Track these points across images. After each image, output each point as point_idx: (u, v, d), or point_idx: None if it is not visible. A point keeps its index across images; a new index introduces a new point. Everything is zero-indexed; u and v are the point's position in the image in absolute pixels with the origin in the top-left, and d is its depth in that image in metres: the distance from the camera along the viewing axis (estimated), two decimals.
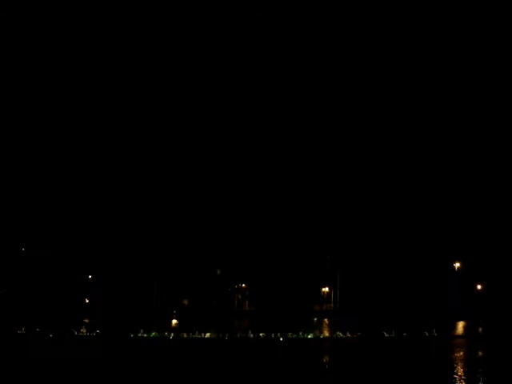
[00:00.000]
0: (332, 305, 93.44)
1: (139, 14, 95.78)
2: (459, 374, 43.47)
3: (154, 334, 62.06)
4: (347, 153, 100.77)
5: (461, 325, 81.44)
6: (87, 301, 64.78)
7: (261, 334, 63.37)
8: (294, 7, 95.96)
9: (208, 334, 62.57)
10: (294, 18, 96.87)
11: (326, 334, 68.67)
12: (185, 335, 62.46)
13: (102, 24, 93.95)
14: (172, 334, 62.83)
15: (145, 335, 61.53)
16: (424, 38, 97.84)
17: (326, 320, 72.44)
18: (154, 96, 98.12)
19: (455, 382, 39.06)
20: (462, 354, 57.29)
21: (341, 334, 65.59)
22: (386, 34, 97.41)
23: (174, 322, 67.82)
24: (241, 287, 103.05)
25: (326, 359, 53.78)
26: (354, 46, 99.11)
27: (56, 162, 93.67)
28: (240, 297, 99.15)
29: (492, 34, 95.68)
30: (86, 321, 63.31)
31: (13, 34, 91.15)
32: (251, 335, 63.91)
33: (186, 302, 65.18)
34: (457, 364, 49.62)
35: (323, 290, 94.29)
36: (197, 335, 62.42)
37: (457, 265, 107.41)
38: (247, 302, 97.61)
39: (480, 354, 58.26)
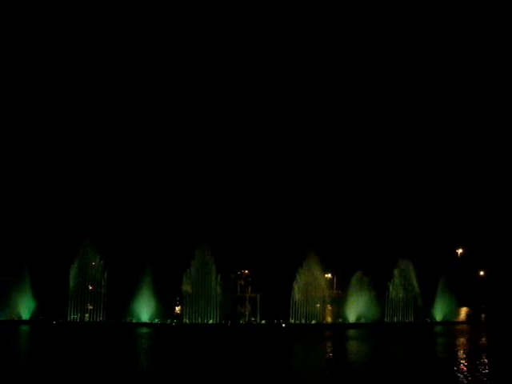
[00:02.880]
0: (335, 291, 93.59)
1: (139, 13, 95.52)
2: (461, 360, 43.60)
3: (156, 320, 62.36)
4: (347, 144, 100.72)
5: (463, 311, 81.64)
6: (91, 287, 64.89)
7: (263, 321, 63.61)
8: (295, 8, 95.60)
9: (211, 321, 62.82)
10: (294, 18, 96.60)
11: (329, 320, 68.87)
12: (187, 321, 62.75)
13: (101, 24, 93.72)
14: (175, 321, 63.11)
15: (148, 321, 61.83)
16: (424, 38, 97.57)
17: (328, 306, 72.57)
18: (154, 96, 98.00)
19: (458, 367, 39.16)
20: (464, 340, 57.43)
21: (343, 321, 65.84)
22: (386, 34, 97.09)
23: (177, 308, 68.04)
24: (243, 273, 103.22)
25: (328, 345, 54.01)
26: (354, 46, 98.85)
27: (57, 155, 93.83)
28: (243, 283, 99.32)
29: (492, 34, 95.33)
30: (90, 307, 63.54)
31: (13, 34, 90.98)
32: (254, 321, 64.17)
33: (189, 288, 65.20)
34: (459, 350, 49.75)
35: (326, 276, 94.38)
36: (200, 321, 62.68)
37: (459, 251, 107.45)
38: (250, 288, 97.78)
39: (482, 340, 58.42)
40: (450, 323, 68.18)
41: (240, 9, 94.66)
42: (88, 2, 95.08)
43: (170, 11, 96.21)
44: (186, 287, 64.85)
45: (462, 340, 57.20)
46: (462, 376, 36.25)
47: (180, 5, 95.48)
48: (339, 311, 68.03)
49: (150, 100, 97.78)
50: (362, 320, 65.70)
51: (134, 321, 61.62)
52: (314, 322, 64.71)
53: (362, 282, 67.27)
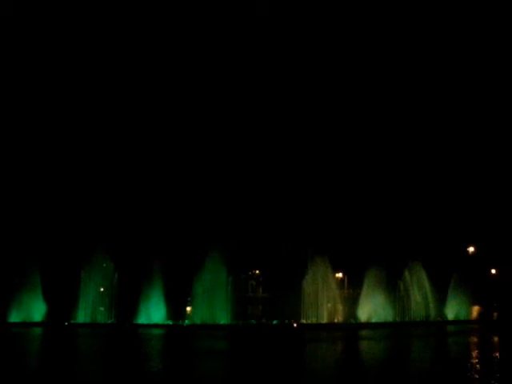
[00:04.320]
0: (346, 290, 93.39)
1: (139, 13, 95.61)
2: (474, 359, 43.36)
3: (168, 321, 62.48)
4: (357, 142, 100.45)
5: (475, 310, 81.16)
6: (102, 289, 65.13)
7: (274, 321, 63.57)
8: (295, 8, 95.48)
9: (222, 321, 62.85)
10: (294, 18, 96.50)
11: (341, 319, 68.67)
12: (198, 322, 62.83)
13: (102, 24, 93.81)
14: (186, 322, 63.17)
15: (159, 323, 61.92)
16: (424, 38, 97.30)
17: (340, 306, 72.42)
18: (154, 96, 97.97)
19: (470, 367, 38.95)
20: (476, 339, 57.11)
21: (354, 320, 65.71)
22: (386, 34, 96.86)
23: (188, 309, 68.09)
24: (254, 273, 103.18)
25: (340, 345, 53.86)
26: (355, 45, 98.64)
27: (59, 160, 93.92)
28: (254, 283, 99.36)
29: (492, 34, 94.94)
30: (102, 309, 63.76)
31: (13, 34, 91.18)
32: (265, 321, 64.16)
33: (200, 289, 65.32)
34: (472, 349, 49.48)
35: (337, 275, 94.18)
36: (211, 322, 62.72)
37: (471, 249, 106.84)
38: (261, 289, 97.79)
39: (495, 339, 58.04)
40: (461, 322, 67.88)
41: (240, 9, 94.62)
42: (88, 2, 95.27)
43: (170, 11, 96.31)
44: (197, 288, 64.97)
45: (474, 339, 56.89)
46: (475, 375, 36.05)
47: (180, 5, 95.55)
48: (351, 311, 67.88)
49: (151, 102, 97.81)
50: (374, 319, 65.54)
51: (145, 322, 61.70)
52: (325, 321, 64.62)
53: (373, 281, 67.15)
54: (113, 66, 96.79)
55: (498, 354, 45.67)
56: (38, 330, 59.08)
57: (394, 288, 68.27)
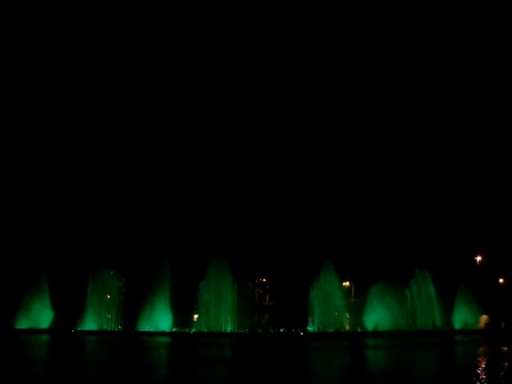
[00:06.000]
0: (353, 299, 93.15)
1: (139, 13, 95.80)
2: (481, 369, 43.12)
3: (175, 329, 62.48)
4: (364, 151, 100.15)
5: (483, 319, 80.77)
6: (109, 296, 65.24)
7: (281, 329, 63.51)
8: (295, 8, 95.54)
9: (229, 329, 62.84)
10: (294, 18, 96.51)
11: (347, 328, 68.54)
12: (205, 330, 62.84)
13: (102, 24, 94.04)
14: (193, 330, 63.17)
15: (166, 330, 61.92)
16: (424, 38, 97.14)
17: (346, 314, 72.28)
18: (154, 96, 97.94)
19: (479, 379, 38.73)
20: (484, 349, 56.74)
21: (361, 329, 65.55)
22: (386, 34, 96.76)
23: (196, 316, 68.09)
24: (261, 281, 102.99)
25: (347, 354, 53.66)
26: (355, 45, 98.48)
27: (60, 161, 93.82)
28: (260, 291, 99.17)
29: (492, 34, 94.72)
30: (108, 316, 63.85)
31: (13, 34, 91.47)
32: (271, 330, 64.08)
33: (206, 296, 65.37)
34: (480, 360, 49.19)
35: (344, 284, 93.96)
36: (217, 330, 62.72)
37: (478, 258, 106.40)
38: (268, 297, 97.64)
39: (503, 349, 57.70)
40: (469, 331, 67.53)
41: (240, 9, 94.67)
42: (88, 2, 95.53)
43: (170, 11, 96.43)
44: (204, 296, 65.01)
45: (482, 349, 56.49)
46: None
47: (180, 4, 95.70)
48: (357, 319, 67.70)
49: (153, 104, 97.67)
50: (380, 328, 65.33)
51: (152, 329, 61.73)
52: (331, 330, 64.49)
53: (380, 290, 67.01)
54: (113, 66, 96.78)
55: (507, 365, 45.39)
56: (45, 337, 59.18)
57: (400, 297, 68.05)
